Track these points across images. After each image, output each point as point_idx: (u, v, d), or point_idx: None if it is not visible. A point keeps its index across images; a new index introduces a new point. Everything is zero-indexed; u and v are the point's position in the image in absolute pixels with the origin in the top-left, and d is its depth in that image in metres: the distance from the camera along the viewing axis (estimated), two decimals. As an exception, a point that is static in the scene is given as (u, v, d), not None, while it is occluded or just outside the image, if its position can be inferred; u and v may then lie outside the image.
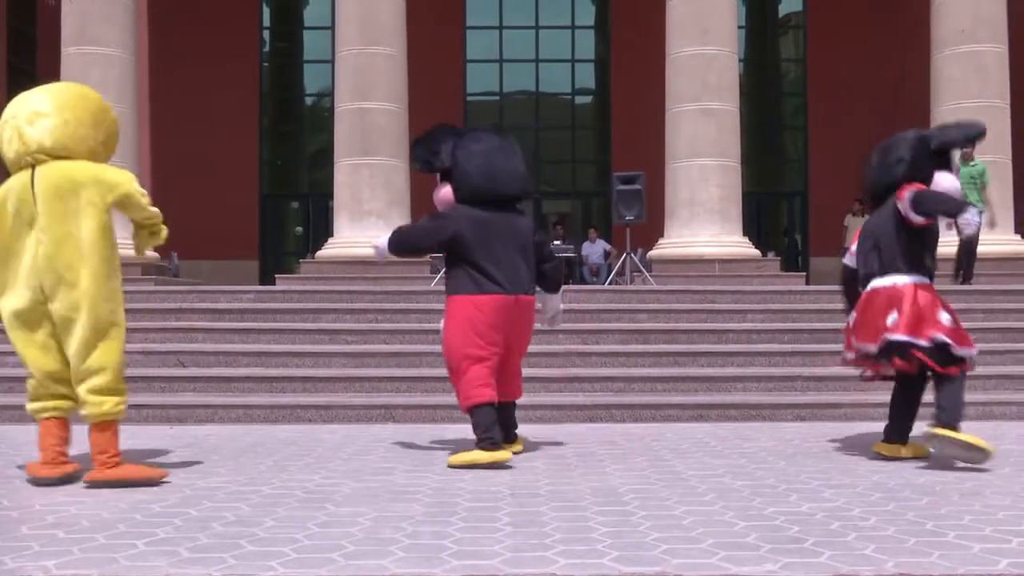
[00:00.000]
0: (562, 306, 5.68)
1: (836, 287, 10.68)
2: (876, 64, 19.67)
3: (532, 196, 5.55)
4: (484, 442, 4.90)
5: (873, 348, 5.06)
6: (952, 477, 4.54)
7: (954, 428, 4.82)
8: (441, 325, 5.30)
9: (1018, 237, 12.56)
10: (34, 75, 18.68)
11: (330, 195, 13.31)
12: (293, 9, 20.90)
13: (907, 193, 5.06)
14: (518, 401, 5.57)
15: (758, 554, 3.11)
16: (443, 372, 7.31)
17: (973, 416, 6.80)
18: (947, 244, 11.69)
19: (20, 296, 4.43)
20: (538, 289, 5.48)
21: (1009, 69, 12.98)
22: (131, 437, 5.91)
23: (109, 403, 4.40)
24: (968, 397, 6.96)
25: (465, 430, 6.17)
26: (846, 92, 19.62)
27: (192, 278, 15.68)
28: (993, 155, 12.34)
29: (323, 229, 18.28)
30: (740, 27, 13.98)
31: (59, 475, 4.37)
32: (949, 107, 12.73)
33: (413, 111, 13.13)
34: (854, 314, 5.27)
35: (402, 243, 5.35)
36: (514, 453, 5.30)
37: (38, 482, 4.37)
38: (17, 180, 4.48)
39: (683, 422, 6.74)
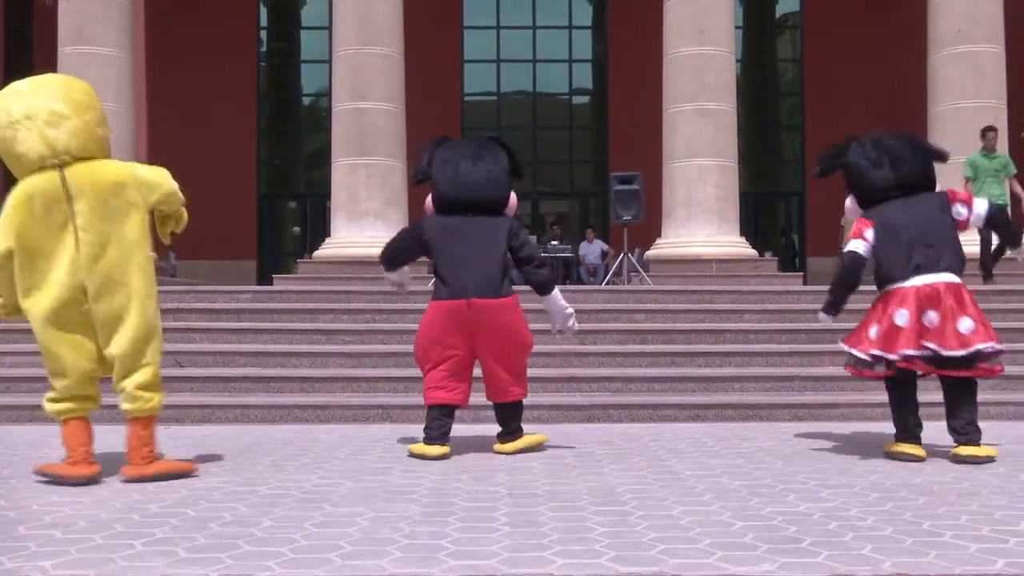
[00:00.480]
0: (568, 308, 5.58)
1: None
2: (873, 64, 19.69)
3: (501, 199, 5.41)
4: (424, 435, 5.24)
5: (958, 353, 4.90)
6: (949, 477, 4.54)
7: (978, 444, 5.00)
8: None
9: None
10: (30, 73, 18.64)
11: (327, 195, 13.31)
12: (290, 9, 20.90)
13: (976, 203, 5.23)
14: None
15: (756, 554, 3.11)
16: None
17: (970, 416, 6.81)
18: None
19: (55, 296, 4.41)
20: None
21: (1006, 69, 12.99)
22: (128, 437, 5.91)
23: (155, 399, 4.55)
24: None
25: (461, 430, 6.17)
26: (843, 92, 19.65)
27: (189, 278, 15.68)
28: (990, 155, 12.35)
29: (320, 229, 18.27)
30: (737, 27, 13.97)
31: (89, 475, 4.38)
32: (946, 107, 12.76)
33: (410, 111, 13.14)
34: (905, 312, 5.00)
35: (384, 256, 5.64)
36: (506, 453, 5.32)
37: (67, 482, 4.35)
38: (42, 180, 4.42)
39: (680, 422, 6.75)
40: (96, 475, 4.42)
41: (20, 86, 4.58)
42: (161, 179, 4.64)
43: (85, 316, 4.45)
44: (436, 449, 5.13)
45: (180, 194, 4.75)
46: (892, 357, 5.02)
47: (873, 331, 5.12)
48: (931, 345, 4.96)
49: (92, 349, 4.52)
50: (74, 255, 4.40)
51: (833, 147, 5.60)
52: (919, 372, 5.16)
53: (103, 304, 4.44)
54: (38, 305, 4.43)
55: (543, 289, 5.45)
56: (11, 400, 6.82)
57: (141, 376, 4.51)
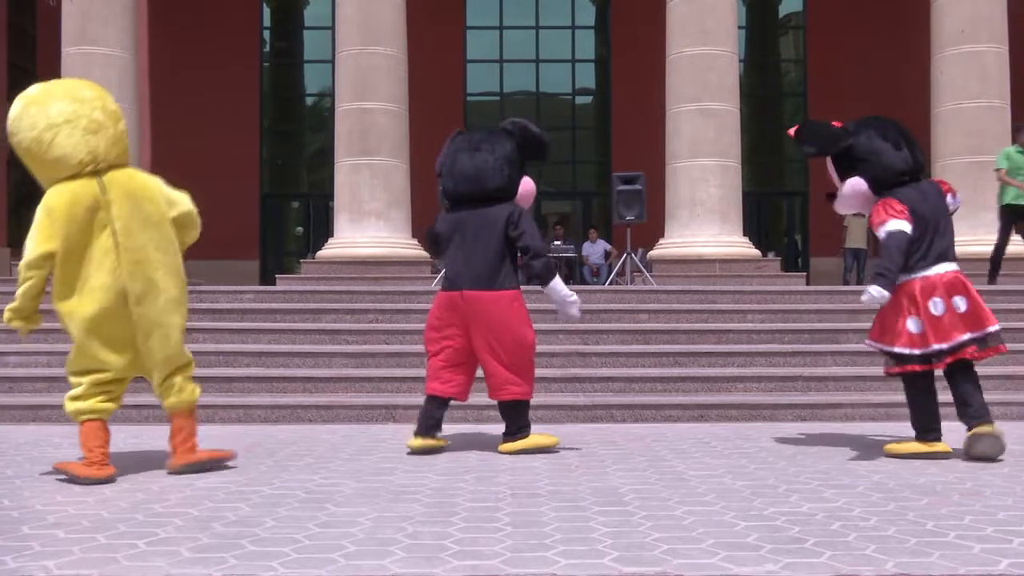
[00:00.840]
0: (571, 296, 5.38)
1: (836, 287, 10.68)
2: (875, 64, 19.67)
3: (498, 188, 5.36)
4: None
5: (994, 329, 5.04)
6: (953, 477, 4.54)
7: (992, 422, 5.06)
8: None
9: (1019, 238, 12.54)
10: (34, 73, 18.67)
11: (330, 195, 13.32)
12: (293, 9, 20.91)
13: (958, 194, 5.39)
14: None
15: (759, 554, 3.11)
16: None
17: (973, 416, 6.80)
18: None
19: (99, 301, 4.49)
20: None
21: (1009, 69, 12.97)
22: (132, 437, 5.91)
23: (196, 391, 4.77)
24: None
25: (464, 430, 6.17)
26: (846, 92, 19.64)
27: (192, 278, 15.68)
28: (992, 155, 12.33)
29: (324, 229, 18.28)
30: (740, 27, 13.98)
31: (106, 476, 4.44)
32: (949, 107, 12.75)
33: (413, 111, 13.14)
34: (939, 301, 5.01)
35: (428, 250, 5.94)
36: (506, 453, 5.31)
37: (81, 482, 4.39)
38: (82, 186, 4.52)
39: (684, 422, 6.75)
40: (111, 476, 4.46)
41: (52, 89, 4.63)
42: (182, 198, 4.82)
43: (126, 320, 4.55)
44: (417, 442, 5.26)
45: (198, 217, 4.89)
46: (944, 347, 5.01)
47: (912, 325, 5.05)
48: (967, 333, 5.02)
49: (130, 351, 4.63)
50: (115, 261, 4.51)
51: (821, 126, 5.36)
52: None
53: (145, 308, 4.57)
54: (81, 309, 4.50)
55: (540, 280, 5.35)
56: (15, 400, 6.83)
57: (187, 370, 4.74)
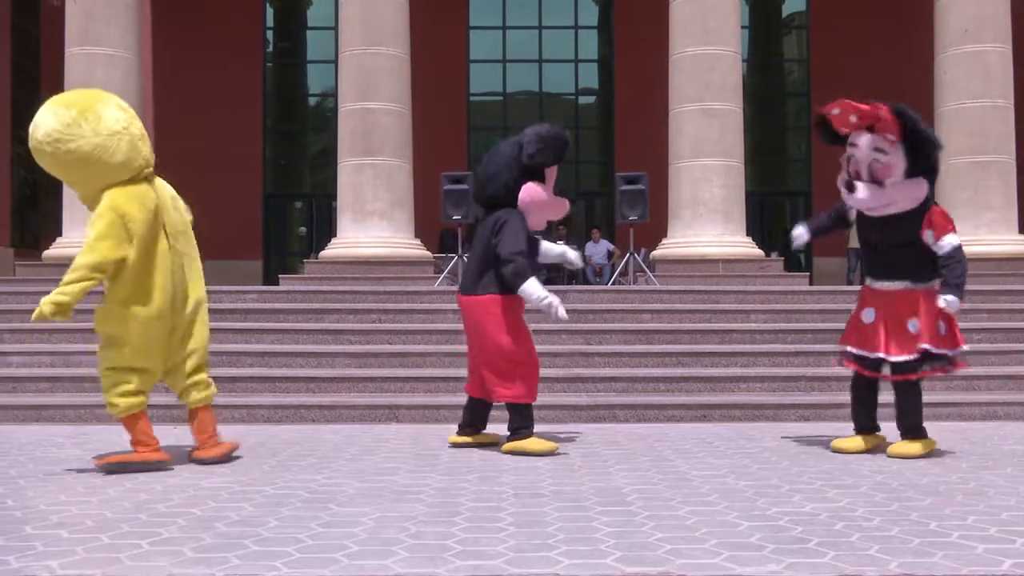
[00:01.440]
0: (544, 298, 5.14)
1: (839, 287, 10.67)
2: (879, 64, 19.66)
3: (492, 196, 5.43)
4: None
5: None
6: (956, 478, 4.54)
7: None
8: None
9: (1022, 237, 12.53)
10: (38, 74, 18.69)
11: (333, 195, 13.31)
12: (296, 9, 20.92)
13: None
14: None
15: (762, 554, 3.11)
16: (446, 372, 7.37)
17: (977, 416, 6.80)
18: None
19: (158, 300, 4.73)
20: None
21: (1013, 69, 12.95)
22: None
23: (215, 387, 5.10)
24: (971, 397, 7.00)
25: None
26: (849, 92, 19.50)
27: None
28: (996, 155, 12.32)
29: (327, 229, 18.28)
30: (743, 27, 13.94)
31: (169, 460, 4.76)
32: (952, 107, 12.73)
33: (416, 111, 13.13)
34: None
35: None
36: (506, 453, 5.33)
37: (150, 468, 4.67)
38: (144, 191, 4.73)
39: (687, 422, 6.74)
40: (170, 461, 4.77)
41: (98, 97, 4.78)
42: (186, 207, 5.13)
43: (170, 321, 4.80)
44: (452, 438, 5.58)
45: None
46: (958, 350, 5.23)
47: (943, 328, 5.20)
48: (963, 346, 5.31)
49: (165, 353, 4.88)
50: (171, 265, 4.77)
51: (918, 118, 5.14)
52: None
53: (187, 309, 4.89)
54: (144, 310, 4.69)
55: (512, 287, 5.23)
56: (18, 400, 6.84)
57: (206, 368, 5.03)
